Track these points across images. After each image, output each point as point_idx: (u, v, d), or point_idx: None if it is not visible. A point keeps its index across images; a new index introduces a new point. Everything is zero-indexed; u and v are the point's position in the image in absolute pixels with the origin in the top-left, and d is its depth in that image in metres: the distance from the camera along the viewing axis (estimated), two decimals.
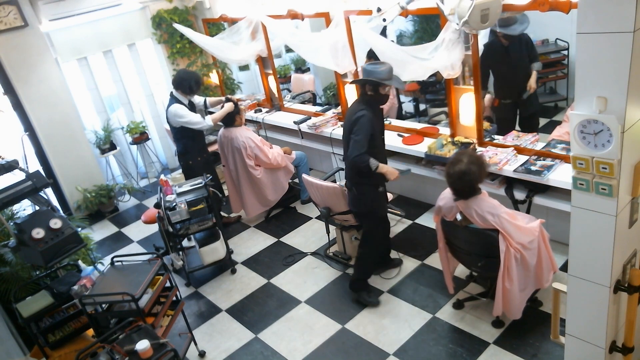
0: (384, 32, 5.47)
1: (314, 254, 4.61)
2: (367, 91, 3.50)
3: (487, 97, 4.68)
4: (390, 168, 3.59)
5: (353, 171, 3.61)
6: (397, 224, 4.76)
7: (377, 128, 3.52)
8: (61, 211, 5.63)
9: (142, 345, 2.49)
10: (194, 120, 4.63)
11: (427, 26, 6.21)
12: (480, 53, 3.93)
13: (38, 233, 3.28)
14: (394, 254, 4.24)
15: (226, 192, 5.38)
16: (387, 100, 3.63)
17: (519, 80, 4.53)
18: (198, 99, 5.02)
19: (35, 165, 5.55)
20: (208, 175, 4.46)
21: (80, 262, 3.88)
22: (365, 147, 3.39)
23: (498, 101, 4.74)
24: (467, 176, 2.95)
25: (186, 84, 4.66)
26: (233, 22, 5.74)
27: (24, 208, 4.30)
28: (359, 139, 3.39)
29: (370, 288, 3.91)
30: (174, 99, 4.69)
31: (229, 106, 4.79)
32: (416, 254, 4.29)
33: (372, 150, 3.45)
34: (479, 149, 4.05)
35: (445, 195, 3.25)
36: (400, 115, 5.85)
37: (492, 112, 4.86)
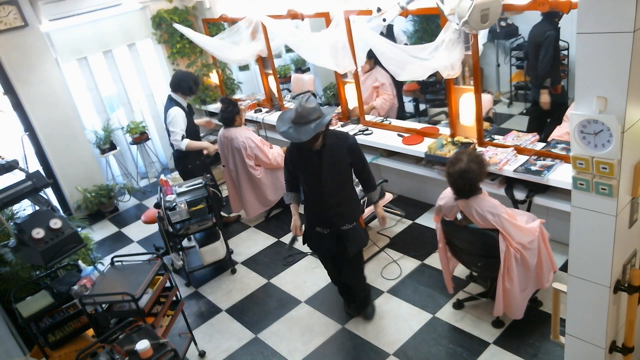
0: (390, 32, 5.46)
1: (314, 254, 4.61)
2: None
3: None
4: (294, 217, 3.57)
5: None
6: (397, 224, 4.76)
7: (299, 166, 3.31)
8: (61, 211, 5.63)
9: (142, 345, 2.49)
10: (177, 135, 4.63)
11: (427, 26, 6.21)
12: (479, 53, 3.92)
13: (38, 233, 3.28)
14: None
15: (226, 192, 5.38)
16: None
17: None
18: None
19: (35, 165, 5.55)
20: (208, 175, 4.47)
21: (80, 262, 3.88)
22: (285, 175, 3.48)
23: (561, 87, 4.62)
24: (467, 174, 2.95)
25: (185, 85, 4.65)
26: (233, 22, 5.74)
27: (24, 208, 4.30)
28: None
29: (348, 300, 3.82)
30: (173, 102, 4.67)
31: (206, 145, 4.89)
32: (416, 254, 4.29)
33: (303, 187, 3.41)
34: (479, 149, 4.05)
35: (446, 195, 3.25)
36: (401, 116, 5.84)
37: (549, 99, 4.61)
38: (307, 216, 3.46)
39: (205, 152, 4.93)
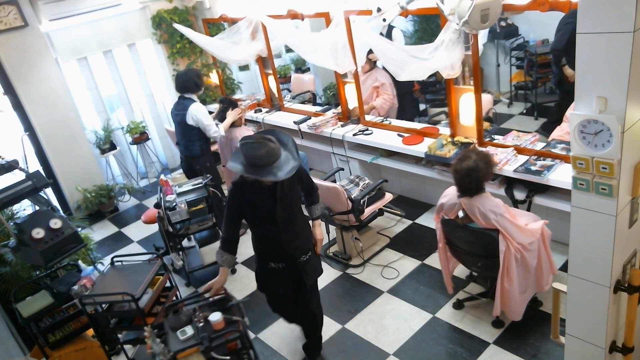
0: (389, 34, 5.47)
1: None
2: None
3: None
4: (220, 278, 2.94)
5: None
6: (397, 224, 4.76)
7: (247, 206, 2.94)
8: (61, 211, 5.64)
9: (215, 316, 2.57)
10: (214, 128, 4.61)
11: (427, 26, 6.22)
12: (479, 53, 3.93)
13: (38, 233, 3.28)
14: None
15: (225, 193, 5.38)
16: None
17: None
18: None
19: (35, 165, 5.55)
20: (208, 175, 4.47)
21: (80, 262, 3.88)
22: (225, 224, 2.99)
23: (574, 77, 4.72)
24: (474, 173, 2.95)
25: (191, 83, 4.66)
26: (233, 22, 5.74)
27: (24, 208, 4.30)
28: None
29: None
30: (188, 100, 4.66)
31: (234, 113, 4.75)
32: (416, 254, 4.29)
33: (251, 226, 3.05)
34: (478, 149, 4.05)
35: (449, 193, 3.25)
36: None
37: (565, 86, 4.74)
38: (259, 253, 3.12)
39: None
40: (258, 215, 2.95)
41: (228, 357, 2.54)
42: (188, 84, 4.65)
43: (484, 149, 3.97)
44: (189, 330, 2.55)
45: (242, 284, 4.39)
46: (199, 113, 4.58)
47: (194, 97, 4.72)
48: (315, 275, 3.20)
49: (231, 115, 4.76)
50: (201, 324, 2.58)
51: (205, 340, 2.48)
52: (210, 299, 2.82)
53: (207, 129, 4.61)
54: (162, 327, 2.68)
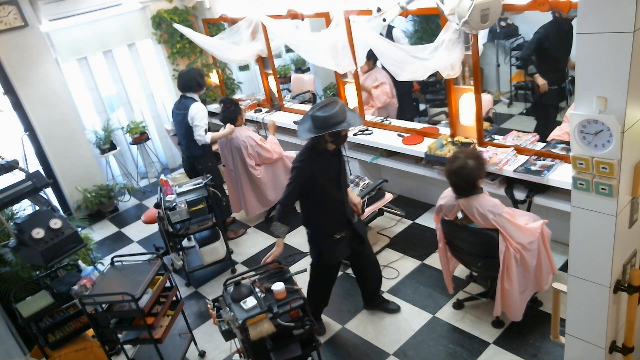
0: (389, 33, 5.47)
1: None
2: (322, 141, 3.07)
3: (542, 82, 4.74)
4: (278, 249, 3.21)
5: (304, 216, 3.34)
6: (397, 224, 4.76)
7: (320, 175, 3.14)
8: (61, 211, 5.64)
9: (278, 286, 2.75)
10: (202, 132, 4.63)
11: (427, 26, 6.21)
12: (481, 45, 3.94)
13: (38, 233, 3.28)
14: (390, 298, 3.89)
15: (226, 192, 5.38)
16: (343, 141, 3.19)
17: (564, 67, 4.71)
18: None
19: (35, 165, 5.56)
20: (208, 175, 4.47)
21: (80, 262, 3.88)
22: (290, 197, 3.18)
23: (546, 87, 4.79)
24: (464, 170, 2.96)
25: (193, 82, 4.68)
26: (233, 22, 5.74)
27: (24, 208, 4.30)
28: (286, 189, 3.18)
29: (318, 318, 3.66)
30: (189, 100, 4.68)
31: (229, 129, 4.78)
32: (416, 254, 4.29)
33: (314, 203, 3.23)
34: (479, 149, 4.05)
35: (447, 194, 3.25)
36: (401, 115, 5.84)
37: (539, 99, 4.93)
38: (324, 228, 3.30)
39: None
40: (327, 182, 3.18)
41: (293, 324, 2.73)
42: (190, 83, 4.67)
43: (484, 150, 3.98)
44: (251, 301, 2.73)
45: None
46: (197, 113, 4.61)
47: (196, 96, 4.73)
48: (365, 231, 3.54)
49: (226, 130, 4.78)
50: (263, 295, 2.77)
51: (274, 307, 2.68)
52: (269, 272, 3.01)
53: (195, 130, 4.65)
54: (217, 301, 2.93)
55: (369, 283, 3.69)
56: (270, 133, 5.14)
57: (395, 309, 3.73)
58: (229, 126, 4.79)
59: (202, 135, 4.65)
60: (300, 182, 3.15)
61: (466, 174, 2.97)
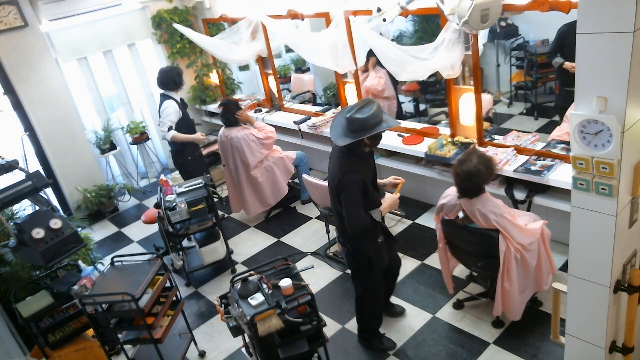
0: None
1: (314, 254, 4.61)
2: (361, 145, 2.92)
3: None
4: (389, 201, 3.14)
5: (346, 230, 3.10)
6: (397, 224, 4.76)
7: (367, 179, 2.99)
8: (61, 211, 5.63)
9: (286, 282, 2.77)
10: (164, 126, 4.73)
11: (427, 26, 6.21)
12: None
13: (38, 233, 3.28)
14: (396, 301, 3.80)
15: (226, 192, 5.38)
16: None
17: None
18: None
19: (35, 165, 5.55)
20: (208, 174, 4.48)
21: (80, 262, 3.88)
22: (361, 210, 2.95)
23: (559, 88, 4.81)
24: (475, 177, 2.95)
25: (169, 80, 4.76)
26: (233, 22, 5.74)
27: (24, 208, 4.30)
28: (353, 208, 2.93)
29: (380, 334, 3.48)
30: (165, 97, 4.78)
31: (193, 137, 4.88)
32: (416, 254, 4.29)
33: (367, 203, 3.02)
34: (479, 149, 4.05)
35: (449, 193, 3.25)
36: (400, 115, 5.85)
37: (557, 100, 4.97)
38: (376, 233, 3.10)
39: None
40: (370, 185, 3.02)
41: (301, 320, 2.75)
42: (167, 81, 4.76)
43: (484, 150, 3.98)
44: (259, 297, 2.75)
45: None
46: (164, 109, 4.72)
47: (173, 94, 4.81)
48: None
49: (192, 135, 4.87)
50: (270, 291, 2.80)
51: (282, 303, 2.70)
52: (275, 269, 3.02)
53: (160, 123, 4.78)
54: (225, 297, 2.97)
55: (389, 285, 3.57)
56: (251, 121, 5.02)
57: (401, 312, 3.68)
58: (198, 134, 4.92)
59: (164, 131, 4.75)
60: (360, 192, 2.91)
61: (476, 181, 2.97)
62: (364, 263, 3.18)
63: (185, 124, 4.84)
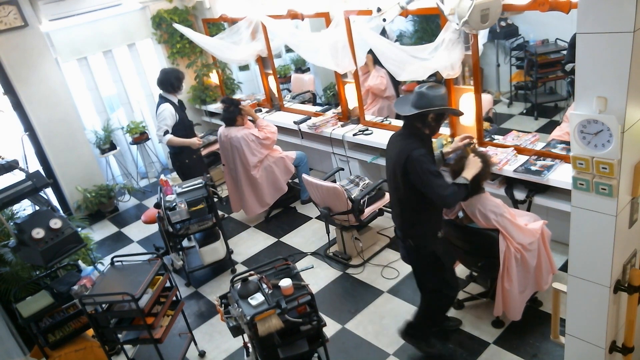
0: (382, 32, 5.47)
1: (314, 254, 4.61)
2: (425, 124, 2.79)
3: None
4: (470, 164, 2.90)
5: (409, 220, 2.95)
6: None
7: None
8: (61, 211, 5.63)
9: (286, 282, 2.78)
10: (160, 131, 4.71)
11: (427, 26, 6.21)
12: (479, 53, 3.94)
13: (38, 233, 3.28)
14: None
15: (226, 192, 5.38)
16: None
17: None
18: None
19: (35, 165, 5.55)
20: (208, 174, 4.48)
21: (80, 262, 3.88)
22: (445, 182, 2.76)
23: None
24: None
25: (167, 83, 4.73)
26: (233, 22, 5.74)
27: (24, 208, 4.30)
28: (436, 182, 2.72)
29: (428, 336, 3.31)
30: (162, 99, 4.76)
31: (189, 142, 4.84)
32: None
33: (421, 199, 2.83)
34: (479, 149, 4.04)
35: None
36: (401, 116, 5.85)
37: None
38: (432, 228, 2.96)
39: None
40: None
41: (301, 320, 2.75)
42: (165, 83, 4.73)
43: (483, 149, 3.97)
44: (259, 297, 2.76)
45: None
46: (160, 112, 4.69)
47: (170, 96, 4.77)
48: None
49: (188, 140, 4.83)
50: (270, 291, 2.80)
51: (282, 303, 2.70)
52: (275, 269, 3.01)
53: (157, 127, 4.76)
54: (225, 297, 2.98)
55: None
56: (254, 117, 5.06)
57: (456, 325, 3.43)
58: (194, 139, 4.89)
59: (160, 135, 4.73)
60: (434, 165, 2.78)
61: (474, 178, 2.96)
62: (429, 258, 2.99)
63: (182, 127, 4.80)
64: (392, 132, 4.67)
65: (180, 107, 4.85)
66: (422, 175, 2.69)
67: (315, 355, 3.01)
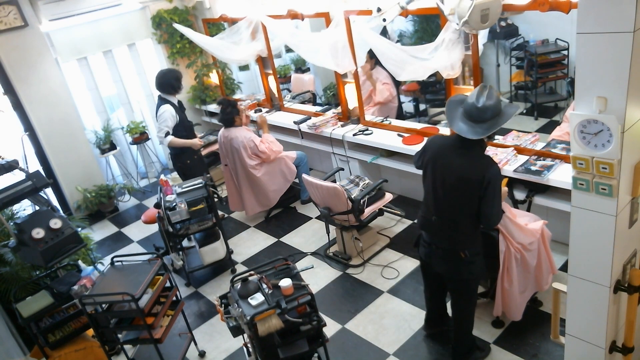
0: (384, 32, 5.47)
1: (314, 254, 4.61)
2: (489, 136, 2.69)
3: None
4: (504, 195, 2.88)
5: (465, 232, 2.83)
6: (397, 224, 4.76)
7: None
8: (61, 211, 5.64)
9: (286, 282, 2.78)
10: (161, 132, 4.71)
11: (427, 26, 6.21)
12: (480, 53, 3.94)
13: (38, 233, 3.28)
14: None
15: (226, 192, 5.38)
16: None
17: None
18: None
19: (35, 165, 5.56)
20: (208, 174, 4.48)
21: (80, 262, 3.87)
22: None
23: None
24: None
25: (167, 84, 4.73)
26: (233, 22, 5.74)
27: (24, 208, 4.30)
28: (500, 202, 2.70)
29: (476, 341, 3.24)
30: (162, 100, 4.76)
31: (191, 142, 4.87)
32: (416, 254, 4.27)
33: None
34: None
35: None
36: (401, 115, 5.85)
37: None
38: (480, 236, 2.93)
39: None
40: None
41: (301, 320, 2.76)
42: (164, 85, 4.73)
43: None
44: (259, 297, 2.77)
45: None
46: (160, 114, 4.69)
47: (170, 98, 4.77)
48: None
49: (189, 141, 4.86)
50: (270, 291, 2.81)
51: (282, 303, 2.71)
52: (275, 269, 3.00)
53: (157, 129, 4.75)
54: (225, 297, 2.99)
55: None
56: (264, 131, 5.12)
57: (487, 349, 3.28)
58: (196, 140, 4.91)
59: (161, 137, 4.74)
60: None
61: None
62: (477, 272, 2.88)
63: (183, 128, 4.81)
64: (393, 132, 4.73)
65: (180, 108, 4.85)
66: (496, 191, 2.63)
67: (315, 355, 3.01)
